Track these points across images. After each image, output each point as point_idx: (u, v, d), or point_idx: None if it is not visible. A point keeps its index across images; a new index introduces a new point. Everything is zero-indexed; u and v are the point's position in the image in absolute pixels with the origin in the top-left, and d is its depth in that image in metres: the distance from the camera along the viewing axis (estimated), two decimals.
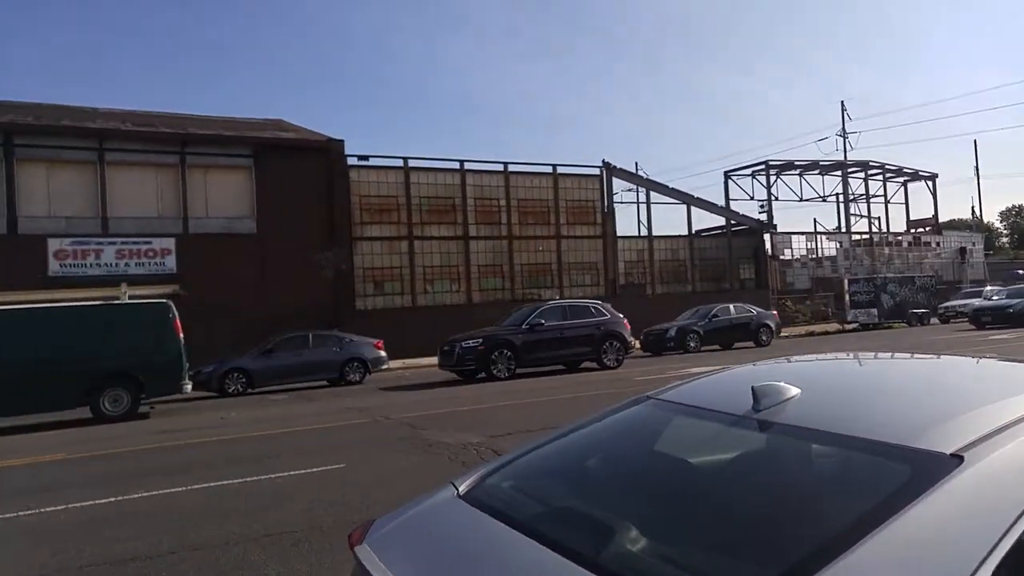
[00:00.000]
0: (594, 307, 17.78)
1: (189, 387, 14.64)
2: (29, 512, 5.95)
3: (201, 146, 26.27)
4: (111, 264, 23.60)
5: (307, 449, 8.38)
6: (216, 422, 11.91)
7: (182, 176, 25.52)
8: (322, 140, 29.24)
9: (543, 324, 16.52)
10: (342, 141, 29.17)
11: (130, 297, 15.03)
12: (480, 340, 16.05)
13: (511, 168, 32.74)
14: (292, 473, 6.94)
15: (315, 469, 7.09)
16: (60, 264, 22.90)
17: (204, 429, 11.09)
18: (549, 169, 33.67)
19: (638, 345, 21.16)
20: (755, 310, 23.73)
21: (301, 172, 27.24)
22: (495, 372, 15.78)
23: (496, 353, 15.89)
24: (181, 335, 13.92)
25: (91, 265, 23.33)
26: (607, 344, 17.07)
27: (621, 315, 17.94)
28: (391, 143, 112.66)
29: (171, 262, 24.49)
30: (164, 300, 14.47)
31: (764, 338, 22.84)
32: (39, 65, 79.53)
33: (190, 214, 25.38)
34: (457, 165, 31.79)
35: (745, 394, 1.75)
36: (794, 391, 1.70)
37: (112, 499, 6.23)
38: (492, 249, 31.69)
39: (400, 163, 30.60)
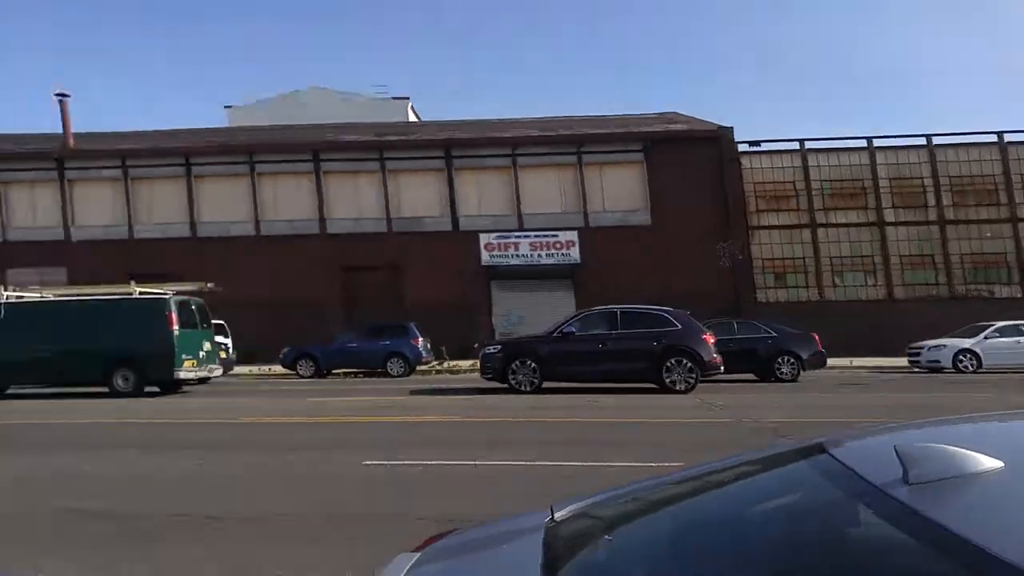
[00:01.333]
0: (663, 315, 15.53)
1: (184, 374, 16.55)
2: (403, 462, 7.46)
3: (596, 145, 30.27)
4: (526, 255, 28.87)
5: (648, 442, 8.88)
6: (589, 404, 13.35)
7: (580, 174, 29.77)
8: (711, 129, 31.00)
9: (575, 333, 15.32)
10: (731, 128, 30.51)
11: (140, 293, 17.48)
12: (500, 347, 15.73)
13: (936, 141, 30.08)
14: (626, 464, 7.28)
15: (644, 463, 7.27)
16: (490, 255, 28.90)
17: (577, 409, 12.87)
18: (992, 138, 29.97)
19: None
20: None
21: (692, 163, 29.36)
22: (513, 383, 15.07)
23: (516, 363, 15.16)
24: (175, 328, 16.25)
25: (512, 256, 28.89)
26: (671, 362, 14.81)
27: (702, 327, 15.63)
28: (786, 126, 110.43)
29: (575, 253, 28.84)
30: (164, 296, 17.12)
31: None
32: (461, 85, 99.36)
33: (589, 209, 29.46)
34: (863, 143, 30.54)
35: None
36: (986, 464, 1.23)
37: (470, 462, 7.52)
38: (917, 236, 29.51)
39: (795, 146, 30.67)
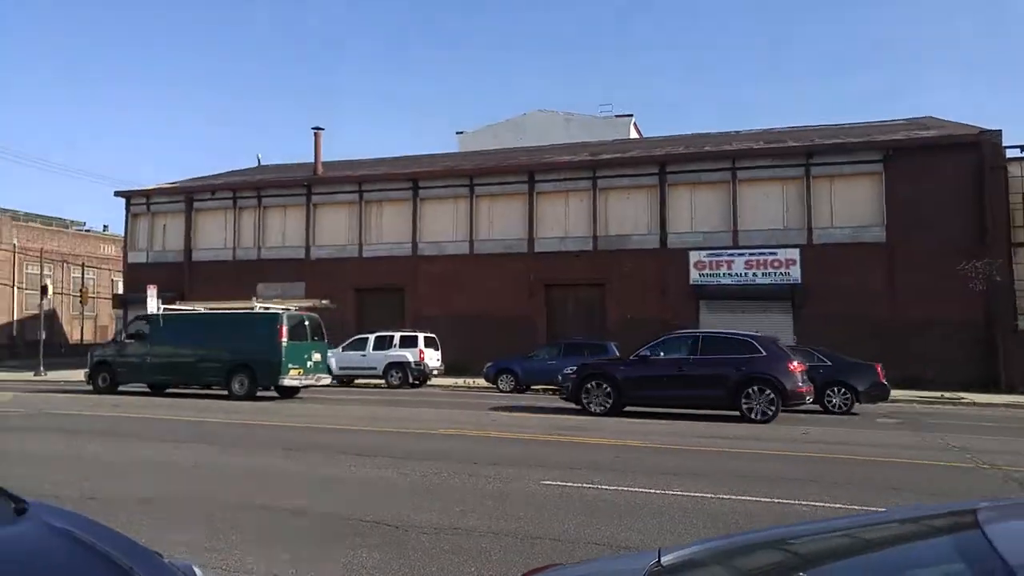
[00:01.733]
0: (748, 341, 14.93)
1: (289, 382, 18.78)
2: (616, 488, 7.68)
3: (826, 156, 27.90)
4: (740, 274, 27.38)
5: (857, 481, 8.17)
6: (799, 436, 12.37)
7: (807, 188, 27.60)
8: (971, 134, 27.18)
9: (652, 357, 15.26)
10: (998, 132, 26.50)
11: (262, 308, 19.95)
12: (575, 368, 16.12)
13: None
14: (825, 505, 6.85)
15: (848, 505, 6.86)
16: (699, 274, 27.87)
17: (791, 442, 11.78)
18: None
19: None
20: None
21: (942, 172, 26.03)
22: (587, 405, 15.40)
23: (590, 384, 15.46)
24: (284, 339, 18.48)
25: (723, 275, 27.58)
26: (750, 390, 14.27)
27: (789, 354, 15.00)
28: None
29: (795, 273, 26.78)
30: (277, 311, 19.29)
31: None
32: (684, 101, 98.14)
33: (814, 225, 27.21)
34: None
35: None
36: None
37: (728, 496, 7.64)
38: None
39: None
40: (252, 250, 33.91)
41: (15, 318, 42.91)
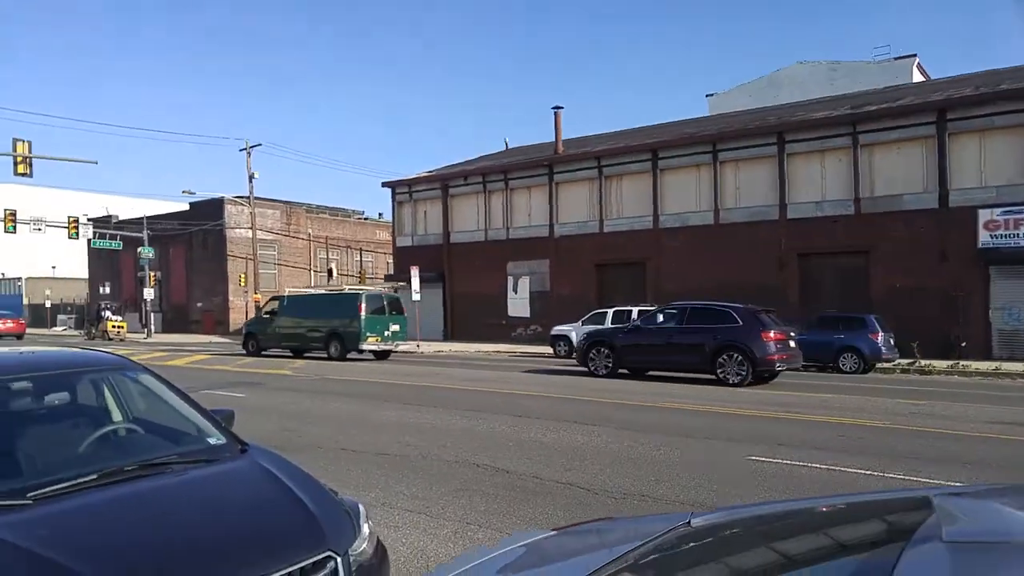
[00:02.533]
0: (727, 312, 16.63)
1: (368, 347, 23.86)
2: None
3: None
4: None
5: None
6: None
7: None
8: None
9: (644, 327, 17.58)
10: None
11: (349, 290, 26.23)
12: (587, 336, 19.09)
13: None
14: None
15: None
16: (990, 235, 24.41)
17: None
18: None
19: None
20: None
21: None
22: (592, 368, 18.04)
23: (595, 351, 18.07)
24: (363, 313, 23.80)
25: (1022, 236, 23.89)
26: (724, 357, 15.95)
27: (768, 324, 16.15)
28: None
29: None
30: (359, 291, 25.55)
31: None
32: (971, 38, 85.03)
33: None
34: None
35: None
36: None
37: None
38: None
39: None
40: (502, 231, 36.20)
41: None
